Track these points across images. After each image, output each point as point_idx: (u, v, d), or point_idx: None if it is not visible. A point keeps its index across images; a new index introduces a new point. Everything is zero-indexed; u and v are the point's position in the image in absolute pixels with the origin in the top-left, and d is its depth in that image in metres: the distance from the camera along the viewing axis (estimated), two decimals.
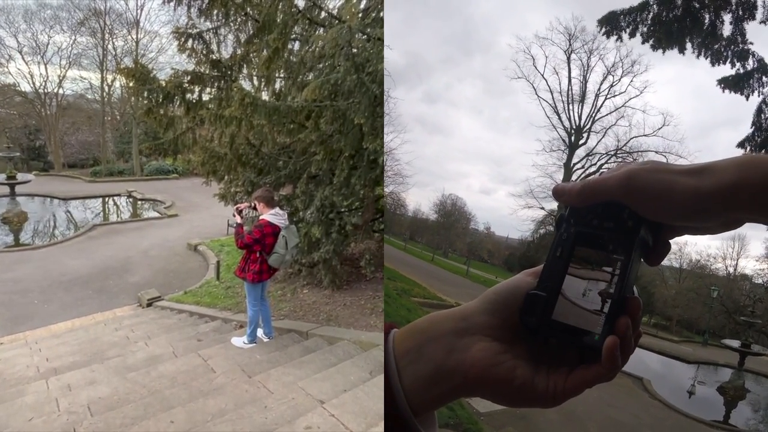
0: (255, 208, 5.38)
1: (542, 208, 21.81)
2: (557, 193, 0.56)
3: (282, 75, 7.05)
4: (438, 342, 0.55)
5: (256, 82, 7.45)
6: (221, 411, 3.85)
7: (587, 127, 21.76)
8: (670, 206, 0.49)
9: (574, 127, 21.74)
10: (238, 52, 6.97)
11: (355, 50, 5.34)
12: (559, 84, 21.93)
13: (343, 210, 7.13)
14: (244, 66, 6.98)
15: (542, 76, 22.03)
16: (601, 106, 21.61)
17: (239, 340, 5.63)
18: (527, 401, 0.53)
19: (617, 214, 0.53)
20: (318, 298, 7.22)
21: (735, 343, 11.03)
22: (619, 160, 21.27)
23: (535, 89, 22.10)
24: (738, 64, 10.90)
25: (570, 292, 0.54)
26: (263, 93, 7.27)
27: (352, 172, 6.39)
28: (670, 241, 0.55)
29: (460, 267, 24.97)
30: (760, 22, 10.40)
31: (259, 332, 5.71)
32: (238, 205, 5.58)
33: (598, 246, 0.54)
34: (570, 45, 21.61)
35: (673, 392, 9.65)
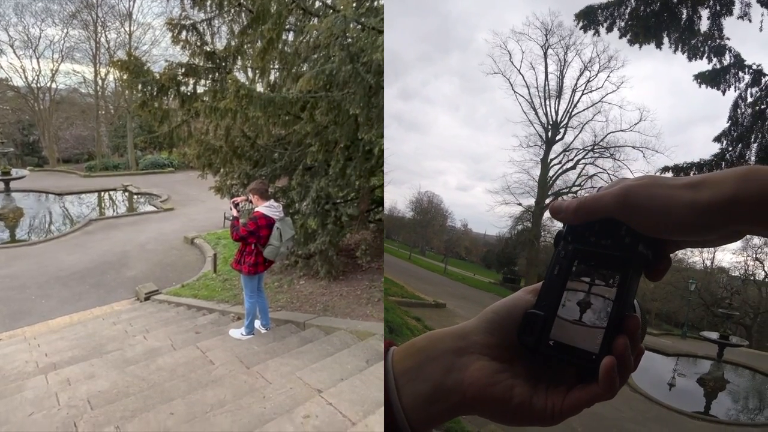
0: (251, 201, 5.38)
1: (519, 204, 21.79)
2: (554, 211, 0.56)
3: (276, 66, 7.02)
4: (437, 361, 0.55)
5: (250, 74, 7.41)
6: (220, 402, 3.87)
7: (564, 122, 21.76)
8: (668, 221, 0.48)
9: (551, 122, 21.73)
10: (233, 43, 6.92)
11: (349, 40, 5.31)
12: (536, 79, 21.86)
13: (338, 201, 7.14)
14: (239, 58, 6.93)
15: (519, 71, 21.94)
16: (578, 101, 21.60)
17: (237, 332, 5.65)
18: (525, 420, 0.53)
19: (615, 231, 0.52)
20: (314, 288, 7.24)
21: (713, 335, 11.06)
22: (596, 155, 21.33)
23: (511, 84, 22.04)
24: (715, 60, 10.97)
25: (568, 310, 0.54)
26: (258, 85, 7.23)
27: (348, 163, 6.38)
28: (670, 255, 0.54)
29: (438, 265, 25.00)
30: (738, 18, 10.48)
31: (257, 323, 5.73)
32: (235, 198, 5.58)
33: (596, 264, 0.53)
34: (547, 40, 21.52)
35: (654, 385, 9.60)
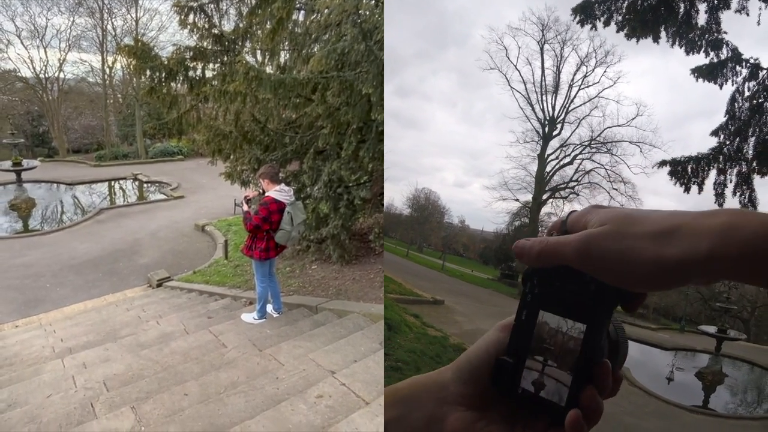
0: (262, 192, 5.32)
1: (517, 200, 21.87)
2: (518, 253, 0.54)
3: (287, 47, 6.90)
4: (420, 411, 0.57)
5: (260, 57, 7.30)
6: (233, 383, 3.87)
7: (561, 117, 21.70)
8: (630, 277, 0.46)
9: (548, 118, 21.74)
10: (241, 24, 6.82)
11: (362, 17, 5.17)
12: (533, 75, 21.74)
13: (351, 184, 7.04)
14: (248, 39, 6.83)
15: (515, 66, 21.85)
16: (575, 96, 21.52)
17: (249, 316, 5.64)
18: None
19: (580, 277, 0.49)
20: (327, 273, 7.20)
21: (711, 329, 11.02)
22: (594, 150, 21.36)
23: (508, 80, 21.91)
24: (712, 54, 10.86)
25: (536, 358, 0.52)
26: (268, 67, 7.13)
27: (360, 145, 6.27)
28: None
29: (436, 262, 25.05)
30: (735, 12, 10.38)
31: (269, 308, 5.71)
32: (247, 194, 5.51)
33: (562, 310, 0.51)
34: (543, 35, 21.39)
35: (653, 379, 9.54)
